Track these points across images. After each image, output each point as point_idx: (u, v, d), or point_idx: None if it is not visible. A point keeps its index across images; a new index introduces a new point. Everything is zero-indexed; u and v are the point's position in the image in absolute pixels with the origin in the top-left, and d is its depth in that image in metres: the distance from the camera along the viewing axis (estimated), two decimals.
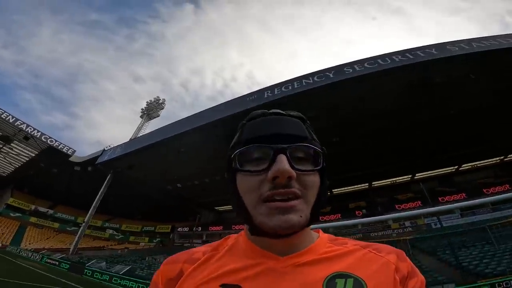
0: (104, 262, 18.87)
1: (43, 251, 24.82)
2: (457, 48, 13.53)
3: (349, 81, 13.92)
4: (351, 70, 14.08)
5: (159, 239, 35.00)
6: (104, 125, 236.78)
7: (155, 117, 35.97)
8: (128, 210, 36.84)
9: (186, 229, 33.75)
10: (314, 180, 0.42)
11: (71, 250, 23.06)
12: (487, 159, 23.12)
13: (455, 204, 14.23)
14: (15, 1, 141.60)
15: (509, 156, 22.39)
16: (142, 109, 36.00)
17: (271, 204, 0.39)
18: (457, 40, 14.32)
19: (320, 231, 0.51)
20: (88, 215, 24.02)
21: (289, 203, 0.39)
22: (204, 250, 0.48)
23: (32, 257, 21.39)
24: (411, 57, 13.66)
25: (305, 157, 0.43)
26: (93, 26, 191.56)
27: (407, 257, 0.45)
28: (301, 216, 0.40)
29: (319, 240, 0.48)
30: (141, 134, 33.08)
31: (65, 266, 18.37)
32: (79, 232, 24.20)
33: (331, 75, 14.43)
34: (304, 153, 0.43)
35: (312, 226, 0.48)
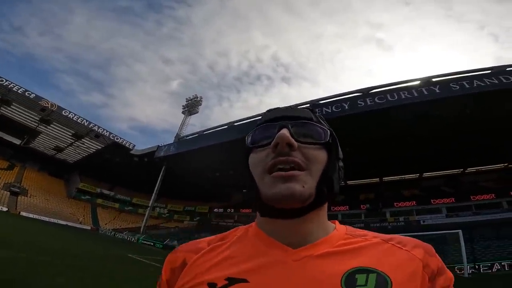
0: (176, 241, 24.00)
1: (125, 232, 31.01)
2: (458, 87, 16.05)
3: (360, 113, 17.48)
4: (363, 104, 17.51)
5: (199, 218, 41.88)
6: (136, 104, 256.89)
7: (195, 113, 41.96)
8: (172, 191, 43.55)
9: (221, 210, 40.14)
10: (318, 154, 0.41)
11: (141, 229, 29.56)
12: (492, 164, 25.61)
13: None
14: None
15: None
16: (183, 106, 42.29)
17: (274, 174, 0.39)
18: (461, 76, 16.70)
19: (337, 222, 0.48)
20: (151, 200, 30.76)
21: (290, 172, 0.38)
22: (209, 240, 0.47)
23: (128, 238, 26.43)
24: (416, 94, 16.60)
25: (309, 133, 0.43)
26: (124, 12, 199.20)
27: (436, 253, 0.42)
28: (303, 187, 0.38)
29: (336, 231, 0.44)
30: (184, 129, 39.18)
31: (159, 245, 21.95)
32: (146, 214, 31.12)
33: (346, 106, 18.00)
34: (309, 130, 0.43)
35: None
